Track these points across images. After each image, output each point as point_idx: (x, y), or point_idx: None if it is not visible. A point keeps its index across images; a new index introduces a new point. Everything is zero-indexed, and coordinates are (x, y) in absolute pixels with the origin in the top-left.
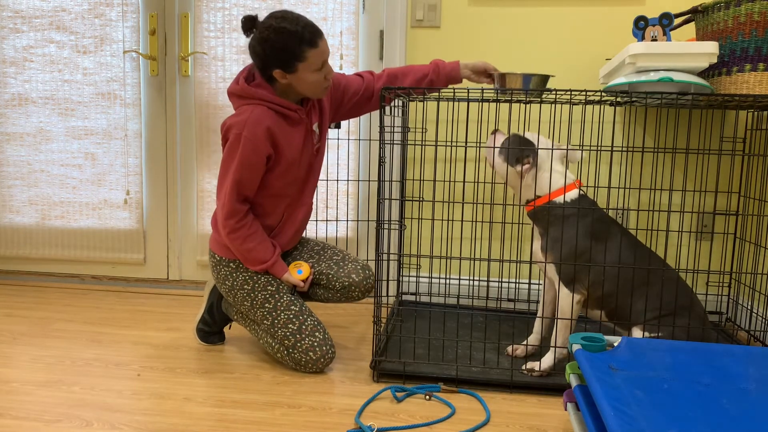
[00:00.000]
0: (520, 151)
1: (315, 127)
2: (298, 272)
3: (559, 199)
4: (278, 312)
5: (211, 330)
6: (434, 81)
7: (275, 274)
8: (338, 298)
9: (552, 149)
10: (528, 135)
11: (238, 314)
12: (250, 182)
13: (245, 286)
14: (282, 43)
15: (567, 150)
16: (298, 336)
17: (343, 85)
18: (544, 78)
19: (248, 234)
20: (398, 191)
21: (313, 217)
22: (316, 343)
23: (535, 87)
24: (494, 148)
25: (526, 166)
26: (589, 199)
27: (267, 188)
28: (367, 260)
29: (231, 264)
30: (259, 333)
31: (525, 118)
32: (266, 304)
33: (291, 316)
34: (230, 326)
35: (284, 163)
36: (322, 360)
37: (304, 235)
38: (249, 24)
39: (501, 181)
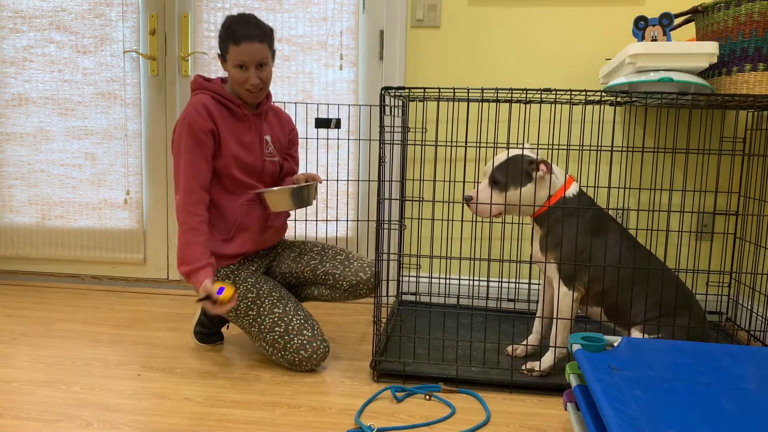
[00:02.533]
0: (527, 163)
1: (267, 137)
2: (220, 290)
3: (567, 193)
4: (262, 318)
5: (209, 331)
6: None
7: (195, 282)
8: (345, 297)
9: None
10: (503, 156)
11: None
12: (204, 161)
13: None
14: (221, 33)
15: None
16: (286, 337)
17: (292, 145)
18: (309, 186)
19: (194, 227)
20: (398, 191)
21: (312, 217)
22: (305, 341)
23: (302, 199)
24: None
25: (543, 169)
26: (586, 194)
27: (221, 182)
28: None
29: None
30: (253, 337)
31: (525, 118)
32: (250, 312)
33: (275, 319)
34: (228, 326)
35: (227, 150)
36: (314, 356)
37: (303, 236)
38: None
39: (514, 209)
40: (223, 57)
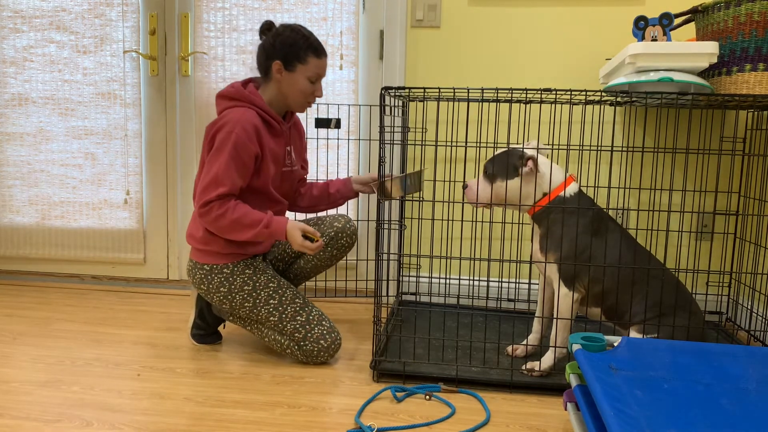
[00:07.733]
0: (516, 157)
1: (289, 148)
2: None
3: (566, 193)
4: (284, 306)
5: (206, 332)
6: (331, 195)
7: (278, 228)
8: (328, 257)
9: (537, 148)
10: (500, 152)
11: (233, 315)
12: (240, 176)
13: (245, 288)
14: (293, 39)
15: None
16: (308, 327)
17: (305, 150)
18: (419, 173)
19: (235, 206)
20: None
21: (313, 216)
22: (325, 331)
23: (413, 184)
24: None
25: (530, 165)
26: (585, 194)
27: (252, 197)
28: (368, 260)
29: (225, 270)
30: (263, 331)
31: (525, 119)
32: (271, 301)
33: (297, 308)
34: (224, 325)
35: (264, 168)
36: (332, 347)
37: None
38: (267, 27)
39: (501, 201)
40: (290, 66)
